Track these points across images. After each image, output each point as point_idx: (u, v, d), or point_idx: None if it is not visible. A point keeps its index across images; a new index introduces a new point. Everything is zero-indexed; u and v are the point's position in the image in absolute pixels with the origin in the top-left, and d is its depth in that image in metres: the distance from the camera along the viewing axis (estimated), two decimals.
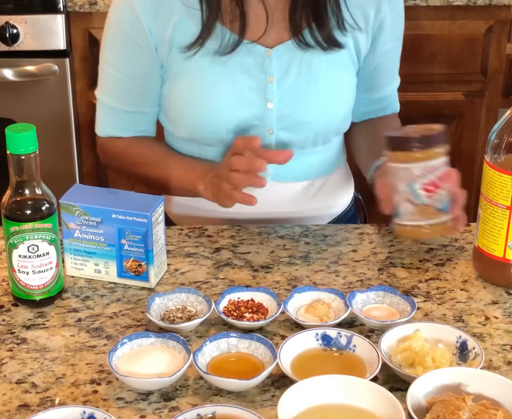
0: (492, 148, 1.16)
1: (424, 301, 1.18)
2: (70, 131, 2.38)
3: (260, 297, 1.14)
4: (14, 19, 2.23)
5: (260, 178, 1.20)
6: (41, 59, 2.28)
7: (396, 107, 1.54)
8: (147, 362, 1.00)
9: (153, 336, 1.04)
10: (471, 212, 1.59)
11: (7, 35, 2.23)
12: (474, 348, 1.02)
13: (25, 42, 2.26)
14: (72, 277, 1.22)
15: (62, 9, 2.26)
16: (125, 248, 1.19)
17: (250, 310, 1.12)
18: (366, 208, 1.61)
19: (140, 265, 1.19)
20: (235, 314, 1.11)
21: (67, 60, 2.30)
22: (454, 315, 1.15)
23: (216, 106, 1.35)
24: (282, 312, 1.11)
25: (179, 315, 1.10)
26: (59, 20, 2.25)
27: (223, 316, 1.10)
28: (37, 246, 1.11)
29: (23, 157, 1.09)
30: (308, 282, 1.22)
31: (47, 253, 1.12)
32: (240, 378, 0.96)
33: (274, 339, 1.08)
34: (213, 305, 1.11)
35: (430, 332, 1.05)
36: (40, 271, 1.12)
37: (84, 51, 2.32)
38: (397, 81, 1.53)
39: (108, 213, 1.17)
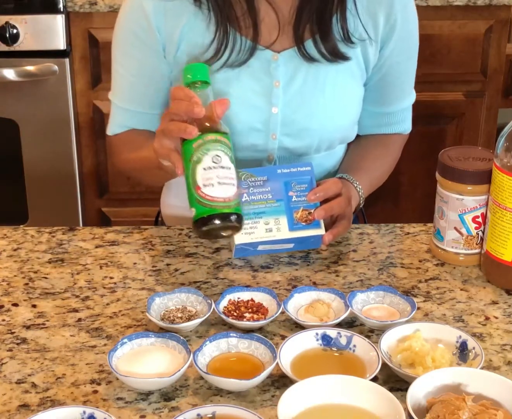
0: (501, 152, 1.16)
1: (424, 301, 1.18)
2: (70, 131, 2.38)
3: (260, 297, 1.14)
4: (14, 19, 2.23)
5: (191, 128, 1.11)
6: (41, 59, 2.28)
7: (404, 127, 1.50)
8: (147, 362, 1.00)
9: (153, 336, 1.04)
10: None
11: (7, 35, 2.23)
12: (474, 348, 1.02)
13: (25, 42, 2.26)
14: (244, 244, 1.22)
15: (62, 9, 2.26)
16: (293, 199, 1.22)
17: (250, 310, 1.12)
18: (365, 212, 1.61)
19: (309, 213, 1.22)
20: (235, 314, 1.11)
21: (67, 60, 2.30)
22: (454, 315, 1.15)
23: None
24: (282, 312, 1.11)
25: (179, 315, 1.10)
26: (59, 20, 2.25)
27: (223, 316, 1.10)
28: (220, 157, 1.09)
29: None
30: (308, 282, 1.22)
31: (229, 168, 1.10)
32: (240, 378, 0.96)
33: (274, 339, 1.08)
34: (213, 305, 1.11)
35: (430, 332, 1.05)
36: (224, 183, 1.09)
37: (84, 51, 2.33)
38: (408, 100, 1.48)
39: (273, 169, 1.23)
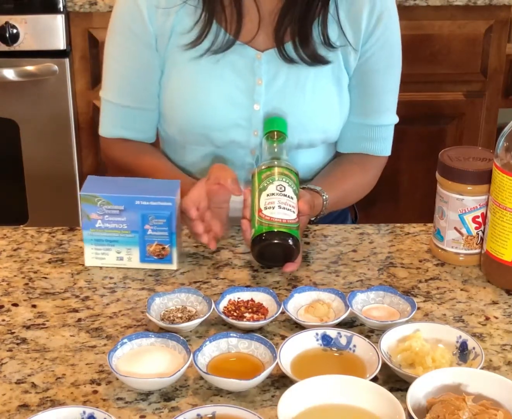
0: (501, 152, 1.16)
1: (424, 301, 1.18)
2: (70, 131, 2.38)
3: (260, 297, 1.14)
4: (14, 19, 2.23)
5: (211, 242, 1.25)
6: (41, 59, 2.28)
7: (383, 148, 1.47)
8: (147, 362, 1.00)
9: (153, 336, 1.04)
10: None
11: (7, 35, 2.23)
12: (474, 348, 1.02)
13: (25, 42, 2.25)
14: (92, 266, 1.24)
15: (62, 9, 2.25)
16: (148, 233, 1.21)
17: (250, 310, 1.12)
18: (365, 212, 1.60)
19: (163, 248, 1.22)
20: (235, 314, 1.11)
21: (67, 60, 2.30)
22: (454, 315, 1.15)
23: (205, 103, 1.37)
24: (282, 312, 1.11)
25: (179, 315, 1.10)
26: (59, 20, 2.25)
27: (223, 316, 1.10)
28: (284, 187, 1.19)
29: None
30: (308, 282, 1.22)
31: (291, 198, 1.19)
32: (240, 378, 0.96)
33: (274, 339, 1.08)
34: (213, 305, 1.11)
35: (430, 332, 1.05)
36: (284, 208, 1.17)
37: (84, 51, 2.32)
38: (389, 117, 1.46)
39: (131, 200, 1.19)
